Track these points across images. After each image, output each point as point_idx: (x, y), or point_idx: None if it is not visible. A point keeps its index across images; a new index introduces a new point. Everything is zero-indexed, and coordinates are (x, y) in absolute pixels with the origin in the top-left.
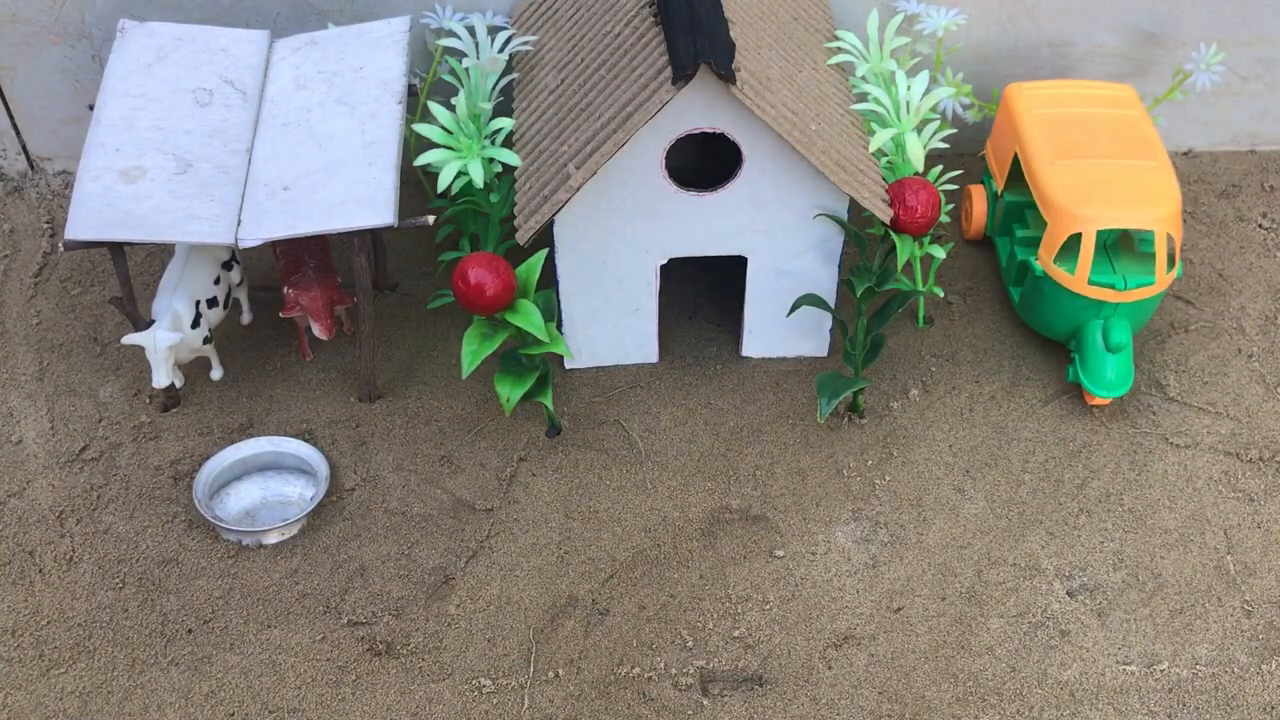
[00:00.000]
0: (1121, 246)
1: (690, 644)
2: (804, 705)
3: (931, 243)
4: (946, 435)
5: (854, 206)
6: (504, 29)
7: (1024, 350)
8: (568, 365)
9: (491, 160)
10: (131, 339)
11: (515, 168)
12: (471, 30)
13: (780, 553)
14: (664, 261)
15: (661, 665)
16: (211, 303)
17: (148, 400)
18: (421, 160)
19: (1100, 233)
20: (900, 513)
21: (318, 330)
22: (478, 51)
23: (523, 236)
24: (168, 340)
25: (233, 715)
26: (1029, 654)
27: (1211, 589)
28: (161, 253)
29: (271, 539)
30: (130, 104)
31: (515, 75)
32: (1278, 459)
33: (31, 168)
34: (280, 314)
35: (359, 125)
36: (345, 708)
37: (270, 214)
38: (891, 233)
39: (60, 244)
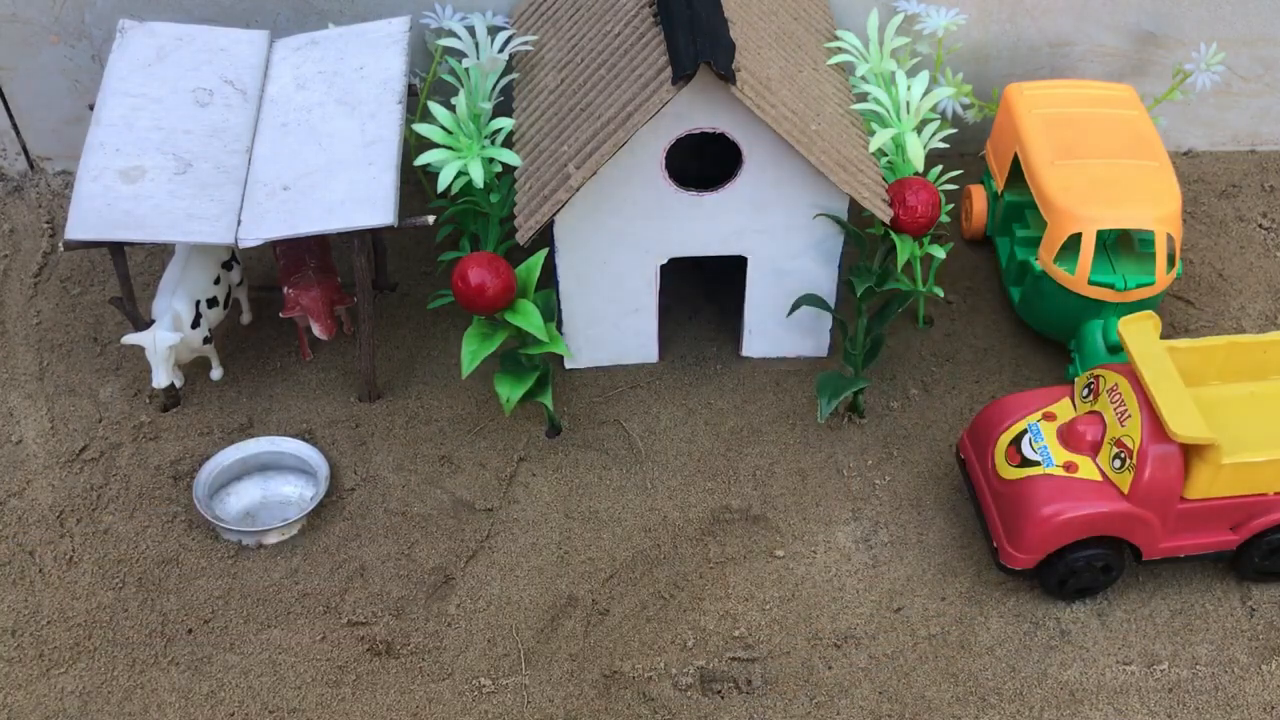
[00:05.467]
0: (1121, 246)
1: (690, 644)
2: (804, 705)
3: (931, 243)
4: (946, 435)
5: (854, 206)
6: (504, 29)
7: (1024, 350)
8: (568, 365)
9: (491, 160)
10: (131, 339)
11: (515, 168)
12: (471, 30)
13: (780, 553)
14: (664, 261)
15: (661, 665)
16: (211, 303)
17: (148, 400)
18: (421, 160)
19: (1100, 232)
20: (900, 513)
21: (318, 330)
22: (478, 51)
23: (523, 236)
24: (168, 340)
25: (233, 715)
26: (1029, 654)
27: (1211, 589)
28: (161, 253)
29: (271, 539)
30: (130, 104)
31: (515, 75)
32: None
33: (31, 168)
34: (280, 314)
35: (359, 125)
36: (345, 708)
37: (270, 214)
38: (891, 233)
39: (60, 244)
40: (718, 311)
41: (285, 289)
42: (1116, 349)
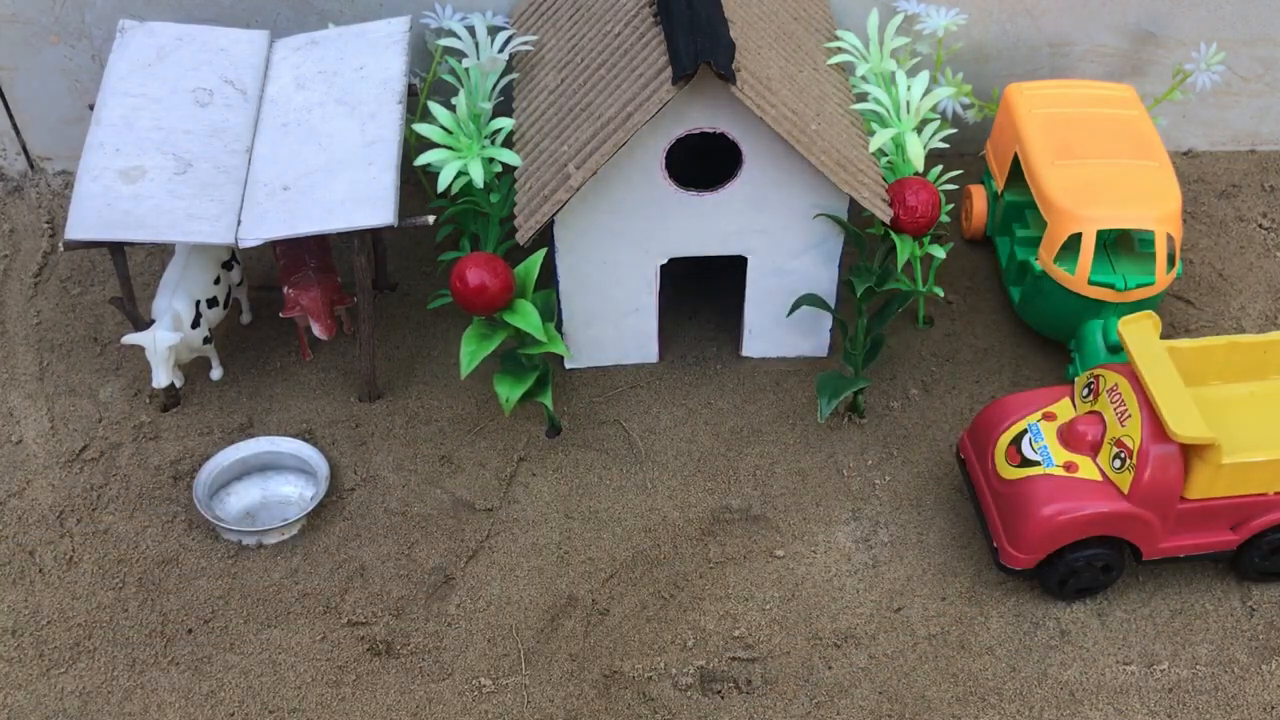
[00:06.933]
0: (1121, 246)
1: (690, 644)
2: (804, 705)
3: (931, 243)
4: (946, 435)
5: (854, 206)
6: (504, 29)
7: (1024, 350)
8: (568, 365)
9: (491, 160)
10: (131, 339)
11: (515, 168)
12: (471, 30)
13: (780, 553)
14: (664, 261)
15: (661, 665)
16: (211, 303)
17: (148, 400)
18: (421, 160)
19: (1100, 232)
20: (900, 513)
21: (318, 330)
22: (478, 51)
23: (523, 236)
24: (168, 340)
25: (233, 715)
26: (1029, 654)
27: (1211, 589)
28: (161, 253)
29: (271, 539)
30: (130, 104)
31: (515, 75)
32: None
33: (31, 168)
34: (280, 314)
35: (359, 125)
36: (345, 708)
37: (270, 214)
38: (891, 233)
39: (60, 244)
40: (718, 311)
41: (285, 289)
42: (1116, 349)
